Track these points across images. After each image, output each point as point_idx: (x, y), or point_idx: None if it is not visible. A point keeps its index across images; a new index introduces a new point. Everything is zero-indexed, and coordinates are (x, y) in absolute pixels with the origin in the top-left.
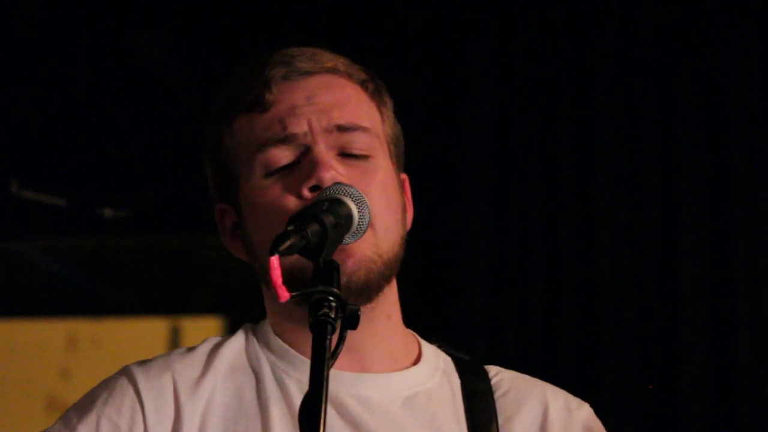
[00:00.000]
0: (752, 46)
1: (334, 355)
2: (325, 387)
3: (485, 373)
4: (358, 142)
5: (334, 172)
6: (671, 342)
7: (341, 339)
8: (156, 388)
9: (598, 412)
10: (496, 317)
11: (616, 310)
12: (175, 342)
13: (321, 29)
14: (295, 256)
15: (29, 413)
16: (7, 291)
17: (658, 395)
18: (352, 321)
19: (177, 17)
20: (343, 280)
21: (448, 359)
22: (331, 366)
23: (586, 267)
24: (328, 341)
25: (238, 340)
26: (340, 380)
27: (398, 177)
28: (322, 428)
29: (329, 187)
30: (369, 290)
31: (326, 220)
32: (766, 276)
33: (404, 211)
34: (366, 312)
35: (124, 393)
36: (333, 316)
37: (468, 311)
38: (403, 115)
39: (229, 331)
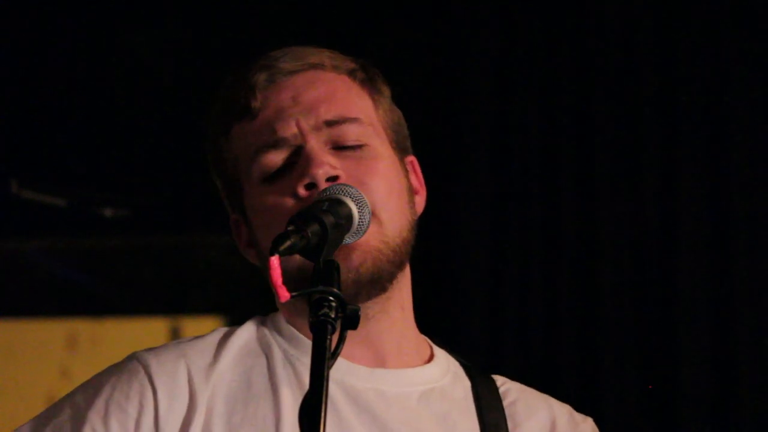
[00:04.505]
0: (752, 46)
1: (335, 354)
2: (325, 387)
3: (492, 381)
4: (350, 133)
5: (327, 166)
6: (671, 342)
7: (341, 339)
8: (169, 374)
9: (599, 413)
10: (496, 318)
11: (616, 310)
12: None
13: (321, 29)
14: (297, 257)
15: (29, 413)
16: (7, 291)
17: (658, 395)
18: (352, 321)
19: (177, 17)
20: (352, 274)
21: (457, 363)
22: (332, 365)
23: (586, 267)
24: (328, 341)
25: (248, 328)
26: (356, 374)
27: (401, 161)
28: (322, 428)
29: (329, 186)
30: (381, 279)
31: (326, 220)
32: (766, 276)
33: (411, 194)
34: (380, 302)
35: (134, 378)
36: (333, 315)
37: (468, 312)
38: (403, 113)
39: None
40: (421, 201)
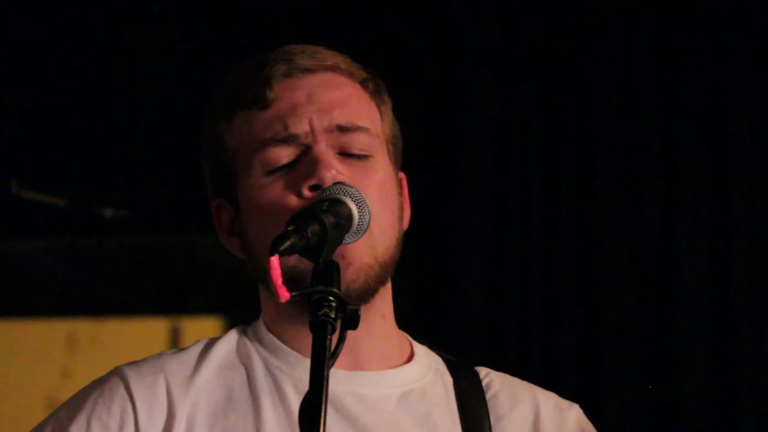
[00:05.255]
0: (752, 46)
1: (334, 354)
2: (325, 387)
3: (476, 374)
4: (358, 142)
5: (334, 171)
6: (671, 342)
7: (341, 339)
8: (148, 387)
9: (599, 412)
10: (496, 317)
11: (616, 310)
12: (175, 342)
13: (320, 29)
14: (296, 257)
15: (29, 413)
16: (7, 291)
17: (658, 395)
18: (352, 321)
19: (177, 17)
20: (343, 287)
21: (439, 359)
22: (331, 366)
23: (586, 267)
24: (328, 341)
25: (230, 338)
26: (335, 378)
27: (397, 176)
28: (322, 428)
29: (329, 186)
30: (367, 294)
31: (326, 220)
32: (766, 276)
33: (401, 210)
34: (362, 312)
35: (115, 393)
36: (333, 316)
37: (468, 311)
38: (403, 114)
39: None
40: (407, 218)
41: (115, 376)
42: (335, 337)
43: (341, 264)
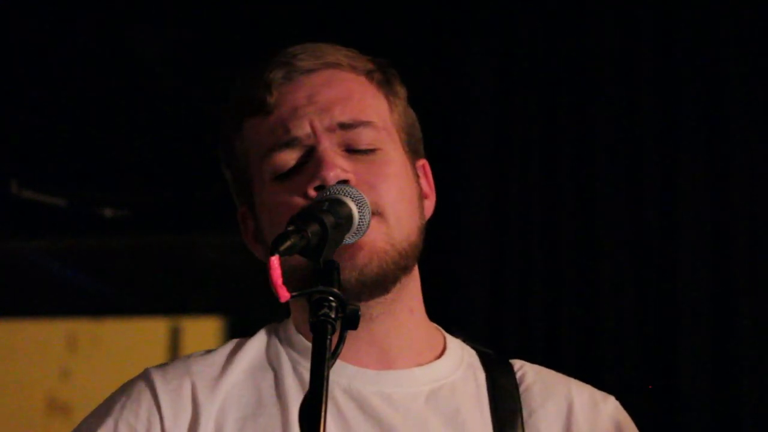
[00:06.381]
0: (752, 46)
1: (335, 354)
2: (325, 387)
3: (510, 367)
4: (364, 137)
5: (338, 170)
6: (671, 342)
7: (341, 339)
8: (174, 390)
9: None
10: (496, 317)
11: (616, 310)
12: (175, 342)
13: (321, 28)
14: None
15: (29, 413)
16: (7, 291)
17: (658, 395)
18: (352, 321)
19: (178, 16)
20: (356, 273)
21: (473, 353)
22: (332, 366)
23: (586, 267)
24: (328, 341)
25: (260, 339)
26: (362, 377)
27: (413, 165)
28: (322, 428)
29: (330, 187)
30: (385, 282)
31: (326, 219)
32: (766, 276)
33: (420, 198)
34: (385, 303)
35: (142, 396)
36: (333, 316)
37: (468, 311)
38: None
39: (229, 332)
40: (430, 205)
41: (142, 380)
42: (336, 337)
43: (351, 251)
